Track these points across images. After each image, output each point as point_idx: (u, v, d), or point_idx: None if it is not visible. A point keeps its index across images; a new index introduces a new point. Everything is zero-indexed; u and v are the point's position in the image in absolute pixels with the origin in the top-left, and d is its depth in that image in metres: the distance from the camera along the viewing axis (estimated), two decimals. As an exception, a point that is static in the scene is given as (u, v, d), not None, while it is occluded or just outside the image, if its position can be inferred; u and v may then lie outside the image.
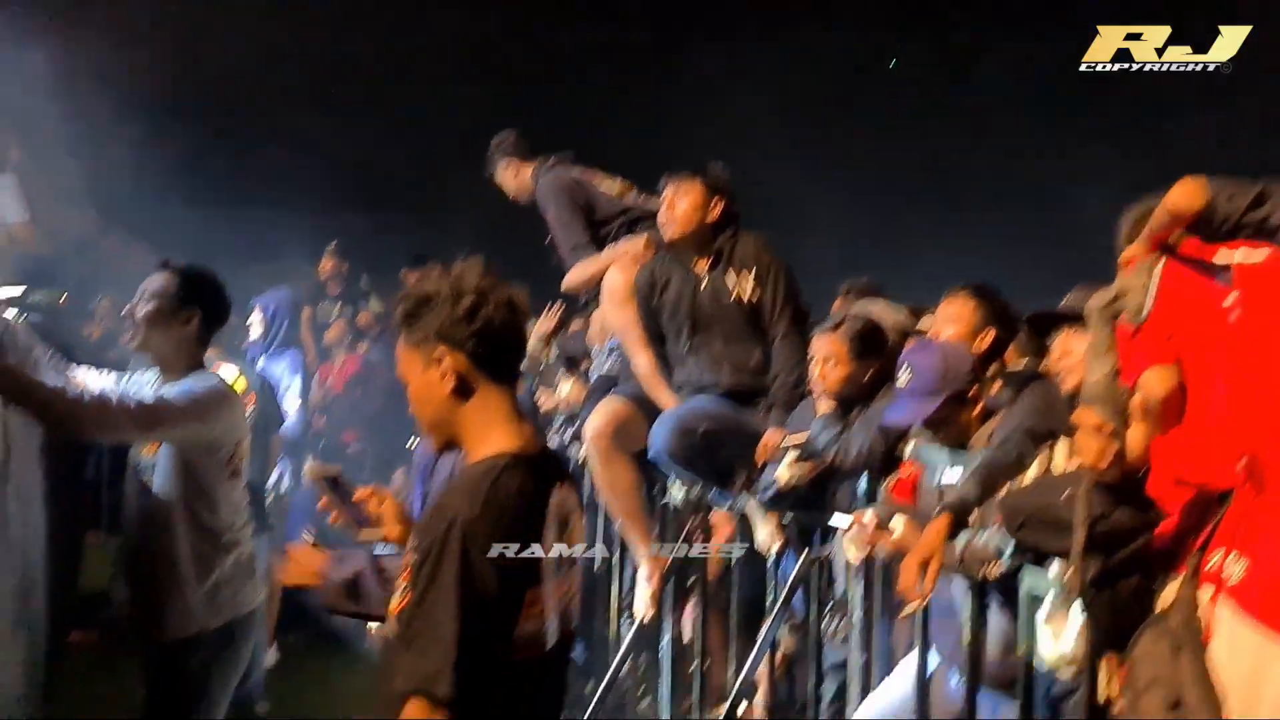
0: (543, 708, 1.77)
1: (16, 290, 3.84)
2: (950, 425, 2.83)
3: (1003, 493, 2.41)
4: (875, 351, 3.26)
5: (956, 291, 3.19)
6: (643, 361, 3.90)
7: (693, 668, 3.87)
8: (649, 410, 3.99)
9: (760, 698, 3.44)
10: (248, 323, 5.17)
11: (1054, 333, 2.76)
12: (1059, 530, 2.04)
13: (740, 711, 3.38)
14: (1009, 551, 2.39)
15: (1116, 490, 1.34)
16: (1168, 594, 1.37)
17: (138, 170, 7.01)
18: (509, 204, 4.66)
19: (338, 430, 6.48)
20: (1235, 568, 1.26)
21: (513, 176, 4.58)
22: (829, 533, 3.21)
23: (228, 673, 2.84)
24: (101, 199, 7.25)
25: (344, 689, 4.61)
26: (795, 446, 3.13)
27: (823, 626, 3.32)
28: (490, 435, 1.74)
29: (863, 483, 3.21)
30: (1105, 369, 1.33)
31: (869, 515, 2.88)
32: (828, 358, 3.21)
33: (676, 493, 3.89)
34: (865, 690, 3.07)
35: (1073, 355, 2.57)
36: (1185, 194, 2.00)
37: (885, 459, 3.12)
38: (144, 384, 2.91)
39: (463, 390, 1.73)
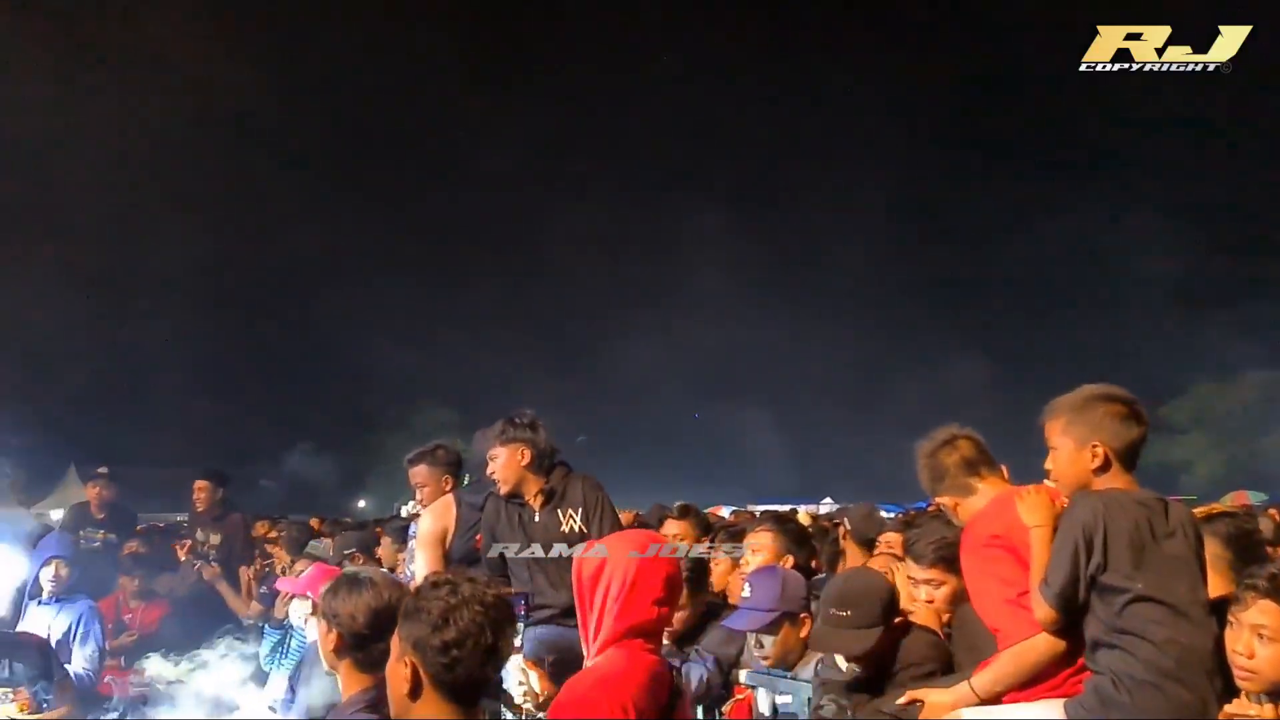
0: None
1: None
2: (779, 642, 3.47)
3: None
4: (703, 589, 3.70)
5: (758, 525, 3.99)
6: None
7: None
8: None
9: None
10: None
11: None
12: None
13: None
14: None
15: None
16: None
17: None
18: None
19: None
20: None
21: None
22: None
23: None
24: None
25: None
26: None
27: None
28: None
29: (699, 711, 3.49)
30: None
31: None
32: None
33: None
34: None
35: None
36: None
37: (722, 687, 3.55)
38: None
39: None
